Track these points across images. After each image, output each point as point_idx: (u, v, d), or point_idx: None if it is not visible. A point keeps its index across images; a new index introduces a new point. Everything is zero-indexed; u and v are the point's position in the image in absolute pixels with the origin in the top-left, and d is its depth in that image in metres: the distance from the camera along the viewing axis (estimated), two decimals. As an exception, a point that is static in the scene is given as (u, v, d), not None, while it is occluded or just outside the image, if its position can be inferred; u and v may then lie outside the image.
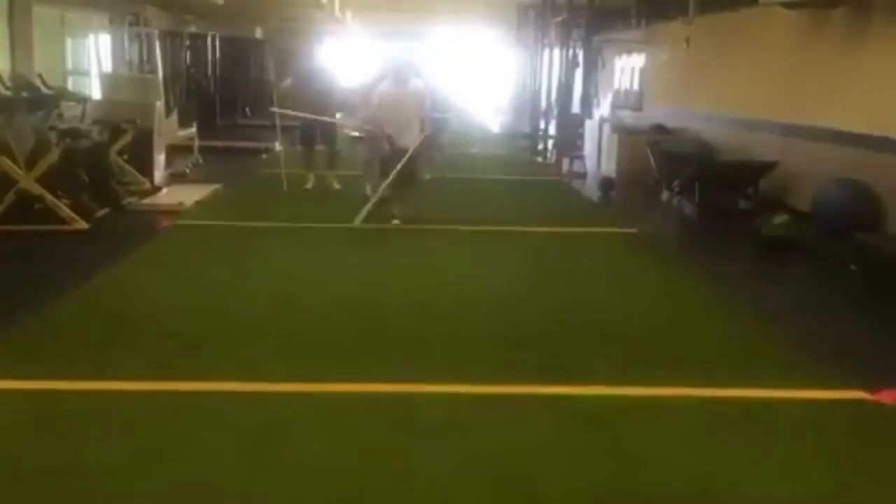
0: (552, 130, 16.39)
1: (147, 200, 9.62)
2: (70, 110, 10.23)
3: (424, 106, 8.81)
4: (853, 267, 7.02)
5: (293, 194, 10.33)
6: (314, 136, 10.73)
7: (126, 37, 14.66)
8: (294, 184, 10.52)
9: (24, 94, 9.23)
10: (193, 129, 13.28)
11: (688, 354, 4.95)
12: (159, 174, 10.73)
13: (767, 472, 3.47)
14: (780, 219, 8.17)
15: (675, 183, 10.62)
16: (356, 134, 10.58)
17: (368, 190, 9.37)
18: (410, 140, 8.61)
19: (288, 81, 10.91)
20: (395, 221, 8.57)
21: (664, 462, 3.53)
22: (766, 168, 9.99)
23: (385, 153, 8.68)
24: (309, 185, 10.68)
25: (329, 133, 10.80)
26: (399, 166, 8.49)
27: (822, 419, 4.06)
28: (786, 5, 9.61)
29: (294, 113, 10.46)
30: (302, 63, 11.92)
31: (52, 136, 8.73)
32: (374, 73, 9.79)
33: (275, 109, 10.79)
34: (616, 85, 17.52)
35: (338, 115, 11.13)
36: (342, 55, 28.94)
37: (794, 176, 9.79)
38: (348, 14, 23.11)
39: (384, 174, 8.70)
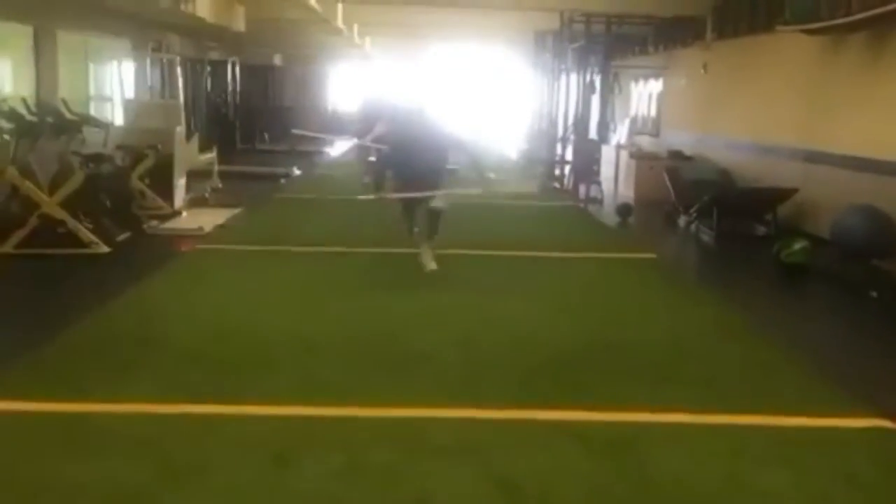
0: (569, 156, 16.40)
1: (168, 224, 9.71)
2: (93, 135, 10.36)
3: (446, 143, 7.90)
4: (873, 293, 6.99)
5: (312, 219, 10.32)
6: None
7: (148, 63, 14.85)
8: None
9: (49, 119, 9.36)
10: (213, 154, 13.39)
11: (709, 380, 4.92)
12: (180, 198, 10.82)
13: (790, 501, 3.45)
14: (800, 245, 8.14)
15: (693, 209, 10.61)
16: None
17: (431, 264, 7.60)
18: (429, 180, 7.69)
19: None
20: (430, 261, 7.64)
21: (686, 489, 3.51)
22: (785, 195, 9.96)
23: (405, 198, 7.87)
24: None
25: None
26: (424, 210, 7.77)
27: (844, 447, 4.02)
28: (804, 31, 9.63)
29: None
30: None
31: (76, 161, 8.85)
32: (372, 103, 8.96)
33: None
34: (633, 111, 17.56)
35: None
36: (361, 79, 29.22)
37: (812, 202, 9.76)
38: (367, 40, 23.31)
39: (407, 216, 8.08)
